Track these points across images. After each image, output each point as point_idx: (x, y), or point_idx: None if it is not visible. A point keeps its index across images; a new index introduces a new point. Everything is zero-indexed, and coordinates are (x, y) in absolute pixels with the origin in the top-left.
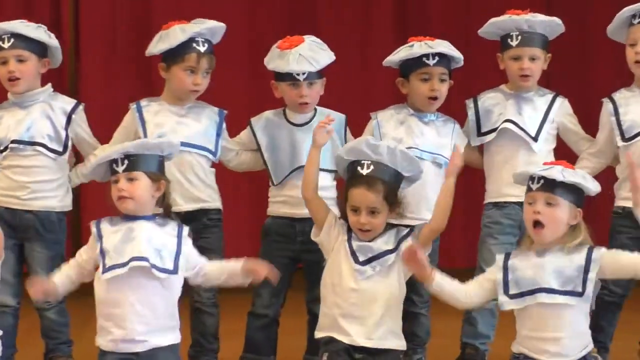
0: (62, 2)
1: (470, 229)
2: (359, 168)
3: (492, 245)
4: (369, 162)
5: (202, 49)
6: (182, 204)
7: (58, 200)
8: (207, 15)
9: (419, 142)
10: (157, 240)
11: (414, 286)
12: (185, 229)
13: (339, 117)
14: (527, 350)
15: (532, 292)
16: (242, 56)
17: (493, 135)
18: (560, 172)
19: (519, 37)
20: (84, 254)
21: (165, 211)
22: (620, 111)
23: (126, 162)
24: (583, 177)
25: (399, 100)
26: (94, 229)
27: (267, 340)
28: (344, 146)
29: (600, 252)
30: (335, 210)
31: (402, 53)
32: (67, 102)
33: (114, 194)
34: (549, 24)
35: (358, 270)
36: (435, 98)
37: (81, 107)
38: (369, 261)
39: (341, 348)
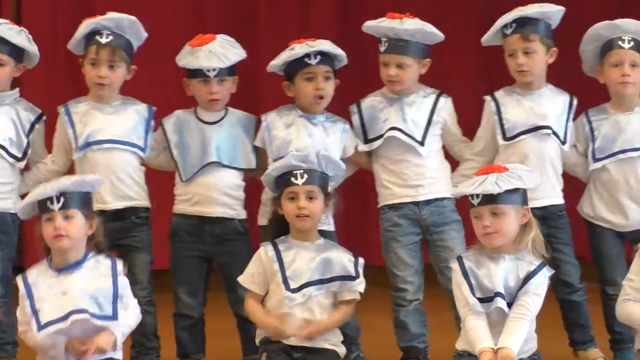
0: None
1: None
2: (292, 179)
3: (395, 248)
4: (302, 171)
5: (103, 40)
6: (110, 202)
7: (12, 202)
8: (150, 13)
9: (308, 144)
10: (92, 288)
11: None
12: (119, 265)
13: (249, 118)
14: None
15: (491, 298)
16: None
17: (379, 142)
18: (495, 184)
19: (387, 44)
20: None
21: (97, 248)
22: (502, 110)
23: (62, 199)
24: (519, 177)
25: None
26: (21, 287)
27: (194, 339)
28: (272, 167)
29: (540, 280)
30: (242, 212)
31: (283, 56)
32: (33, 112)
33: (48, 233)
34: (418, 32)
35: (288, 298)
36: (321, 97)
37: (44, 119)
38: (299, 289)
39: (280, 347)
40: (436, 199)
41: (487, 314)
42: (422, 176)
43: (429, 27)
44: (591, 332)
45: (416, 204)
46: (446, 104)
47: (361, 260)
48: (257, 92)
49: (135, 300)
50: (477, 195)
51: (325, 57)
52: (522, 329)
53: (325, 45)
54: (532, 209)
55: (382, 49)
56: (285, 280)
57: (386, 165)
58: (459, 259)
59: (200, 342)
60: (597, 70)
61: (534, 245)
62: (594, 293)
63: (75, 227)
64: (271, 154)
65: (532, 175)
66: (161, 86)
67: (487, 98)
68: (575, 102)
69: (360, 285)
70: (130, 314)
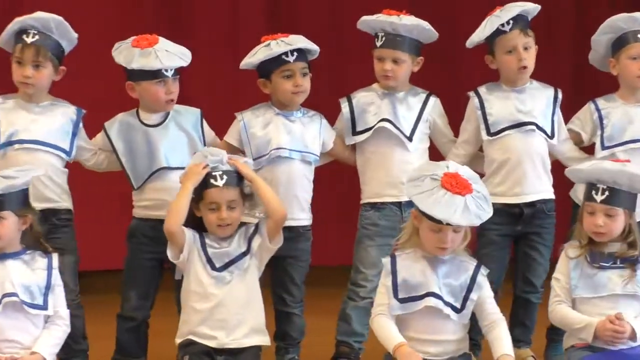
0: None
1: (343, 227)
2: (212, 180)
3: (368, 246)
4: (220, 172)
5: (29, 40)
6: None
7: None
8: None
9: (287, 142)
10: (25, 278)
11: (285, 285)
12: (55, 261)
13: (194, 112)
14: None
15: (421, 297)
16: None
17: (368, 134)
18: (478, 217)
19: (383, 38)
20: None
21: (34, 242)
22: (485, 105)
23: None
24: (485, 200)
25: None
26: None
27: (137, 342)
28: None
29: (483, 280)
30: None
31: (260, 54)
32: None
33: None
34: (415, 28)
35: (216, 277)
36: (300, 92)
37: None
38: (225, 266)
39: (202, 350)
40: None
41: (415, 312)
42: (406, 173)
43: (427, 25)
44: (532, 334)
45: (398, 205)
46: (435, 104)
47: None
48: (186, 92)
49: (68, 312)
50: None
51: (301, 53)
52: (504, 332)
53: (301, 41)
54: (521, 204)
55: (378, 43)
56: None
57: (372, 159)
58: (392, 257)
59: (143, 344)
60: (611, 61)
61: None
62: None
63: (7, 229)
64: (250, 154)
65: (489, 202)
66: (90, 87)
67: (471, 94)
68: (560, 95)
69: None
70: (60, 331)
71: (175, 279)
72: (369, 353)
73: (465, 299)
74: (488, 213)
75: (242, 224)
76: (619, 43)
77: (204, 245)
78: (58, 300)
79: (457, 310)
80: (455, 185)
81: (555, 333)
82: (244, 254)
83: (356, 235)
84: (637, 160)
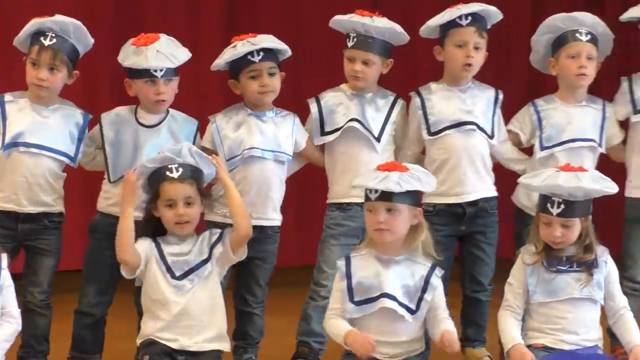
0: None
1: (303, 227)
2: (167, 172)
3: (332, 245)
4: (176, 165)
5: (46, 42)
6: (25, 206)
7: None
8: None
9: (260, 142)
10: None
11: (249, 286)
12: (4, 259)
13: (192, 122)
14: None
15: (376, 299)
16: None
17: (337, 134)
18: (397, 183)
19: (355, 39)
20: None
21: None
22: (427, 105)
23: None
24: (418, 179)
25: (233, 100)
26: None
27: (94, 338)
28: (147, 159)
29: (438, 282)
30: None
31: (226, 55)
32: None
33: None
34: (388, 31)
35: (176, 286)
36: (268, 92)
37: None
38: (185, 275)
39: (162, 350)
40: None
41: (370, 313)
42: None
43: (399, 28)
44: (485, 332)
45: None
46: (403, 108)
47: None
48: None
49: (19, 311)
50: (376, 191)
51: (269, 53)
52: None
53: (267, 41)
54: (463, 204)
55: (349, 44)
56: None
57: (340, 160)
58: (347, 259)
59: (100, 341)
60: (551, 61)
61: (425, 248)
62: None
63: None
64: (223, 155)
65: (430, 179)
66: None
67: (412, 94)
68: (500, 96)
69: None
70: (11, 329)
71: (135, 285)
72: (330, 354)
73: (420, 300)
74: (414, 186)
75: (211, 223)
76: (558, 42)
77: (162, 254)
78: (8, 300)
79: (412, 312)
80: (388, 166)
81: None
82: (205, 261)
83: (321, 236)
84: (576, 160)
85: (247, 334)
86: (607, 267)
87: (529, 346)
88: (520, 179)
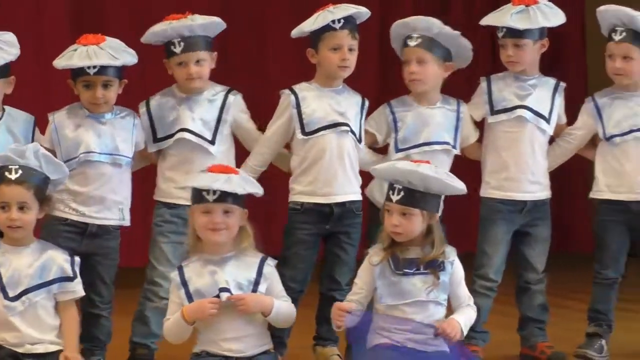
0: None
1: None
2: (6, 173)
3: (162, 243)
4: (17, 166)
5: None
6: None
7: None
8: None
9: (96, 145)
10: None
11: (94, 285)
12: None
13: (28, 119)
14: (210, 348)
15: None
16: None
17: (170, 141)
18: (240, 185)
19: (182, 44)
20: None
21: None
22: (302, 104)
23: None
24: (250, 184)
25: (75, 99)
26: None
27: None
28: None
29: (270, 270)
30: None
31: (63, 61)
32: None
33: None
34: (210, 25)
35: (7, 307)
36: (100, 104)
37: None
38: (19, 296)
39: (8, 353)
40: None
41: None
42: None
43: (218, 19)
44: (336, 332)
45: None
46: (236, 101)
47: (77, 259)
48: None
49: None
50: (214, 192)
51: (105, 67)
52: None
53: (103, 56)
54: (332, 204)
55: (177, 50)
56: (2, 289)
57: (175, 165)
58: (179, 269)
59: None
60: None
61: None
62: None
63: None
64: (61, 156)
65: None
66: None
67: (286, 91)
68: (367, 103)
69: (78, 285)
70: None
71: None
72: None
73: (254, 292)
74: (245, 189)
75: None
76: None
77: None
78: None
79: None
80: (222, 169)
81: None
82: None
83: (151, 234)
84: (433, 162)
85: (94, 336)
86: (453, 268)
87: (376, 345)
88: (371, 167)
